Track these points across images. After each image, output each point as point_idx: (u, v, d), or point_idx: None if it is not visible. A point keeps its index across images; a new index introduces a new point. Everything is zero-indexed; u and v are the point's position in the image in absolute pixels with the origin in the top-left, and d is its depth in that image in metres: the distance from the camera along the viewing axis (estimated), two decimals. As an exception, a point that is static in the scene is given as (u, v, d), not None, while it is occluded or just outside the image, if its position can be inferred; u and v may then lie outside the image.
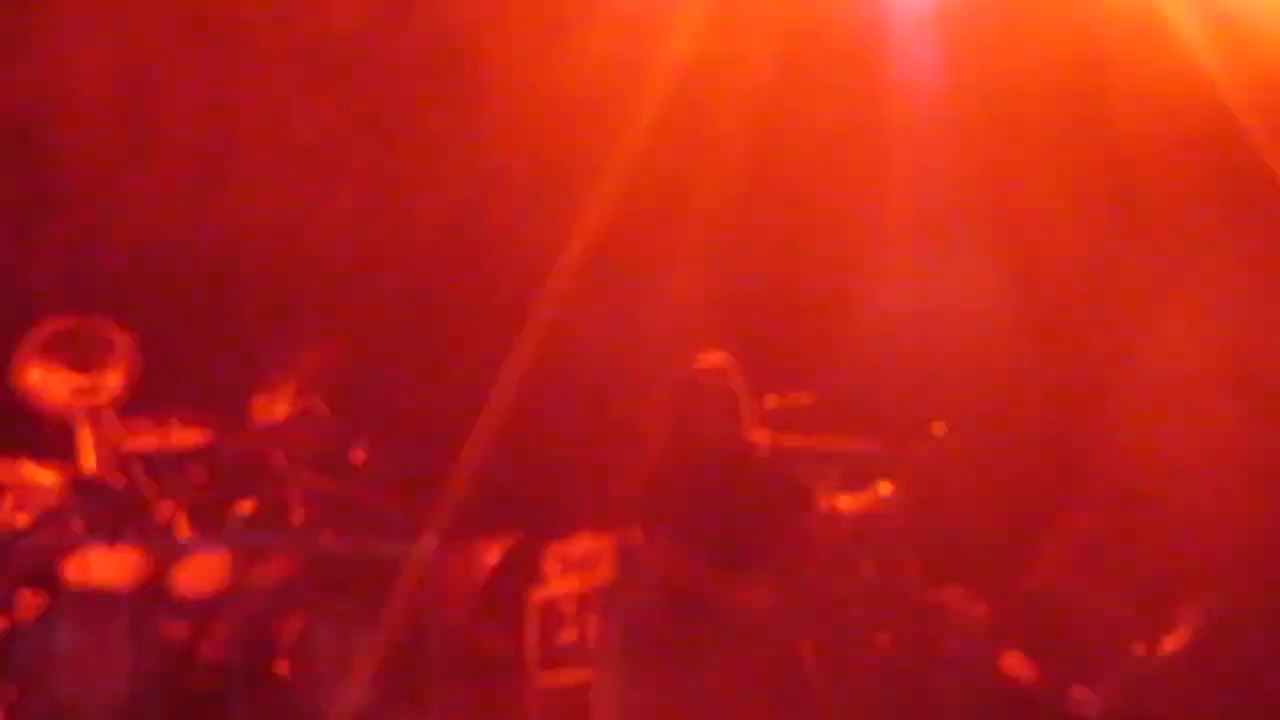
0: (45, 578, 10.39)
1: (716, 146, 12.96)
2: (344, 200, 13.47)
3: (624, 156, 12.71)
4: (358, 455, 11.38)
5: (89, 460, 10.97)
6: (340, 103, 13.55)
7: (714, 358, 10.23)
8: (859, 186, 13.08)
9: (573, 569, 11.35)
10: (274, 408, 11.27)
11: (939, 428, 11.06)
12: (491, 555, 11.76)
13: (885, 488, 11.06)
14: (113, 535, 10.57)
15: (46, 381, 11.04)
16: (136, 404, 11.16)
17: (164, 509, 10.88)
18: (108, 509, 10.79)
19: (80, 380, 11.09)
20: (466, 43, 13.10)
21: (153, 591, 10.55)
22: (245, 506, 10.92)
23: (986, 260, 13.07)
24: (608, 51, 12.96)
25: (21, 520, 10.55)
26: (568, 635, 11.15)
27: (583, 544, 11.26)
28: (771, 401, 10.84)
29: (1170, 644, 11.13)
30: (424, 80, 13.49)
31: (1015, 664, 11.01)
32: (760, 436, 10.38)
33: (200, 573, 10.71)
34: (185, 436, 11.02)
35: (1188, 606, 11.18)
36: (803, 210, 13.31)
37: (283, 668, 10.81)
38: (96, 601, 10.43)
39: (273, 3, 13.06)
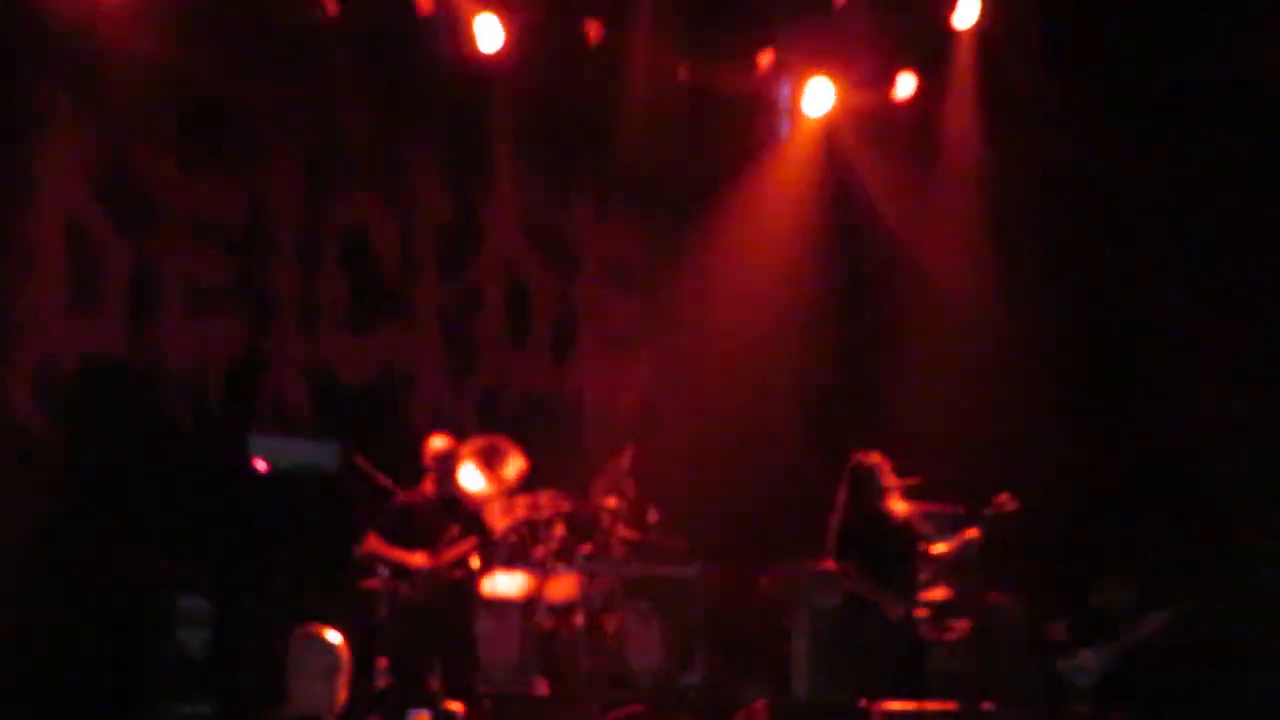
0: (468, 592, 13.12)
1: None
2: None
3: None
4: (652, 516, 14.27)
5: (497, 523, 13.73)
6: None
7: (873, 456, 13.28)
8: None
9: (782, 582, 14.57)
10: (603, 488, 14.30)
11: (1005, 498, 13.17)
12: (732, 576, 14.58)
13: (971, 533, 13.41)
14: (510, 566, 13.65)
15: (472, 477, 13.83)
16: (523, 488, 14.10)
17: (539, 550, 13.81)
18: (506, 551, 13.72)
19: (493, 475, 13.94)
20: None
21: (533, 599, 13.71)
22: (586, 547, 14.01)
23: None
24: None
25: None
26: (783, 621, 14.39)
27: (789, 568, 14.42)
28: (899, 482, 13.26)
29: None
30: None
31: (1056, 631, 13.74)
32: (897, 507, 13.30)
33: (561, 588, 13.85)
34: (552, 506, 13.98)
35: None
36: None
37: (610, 643, 13.74)
38: (500, 606, 13.58)
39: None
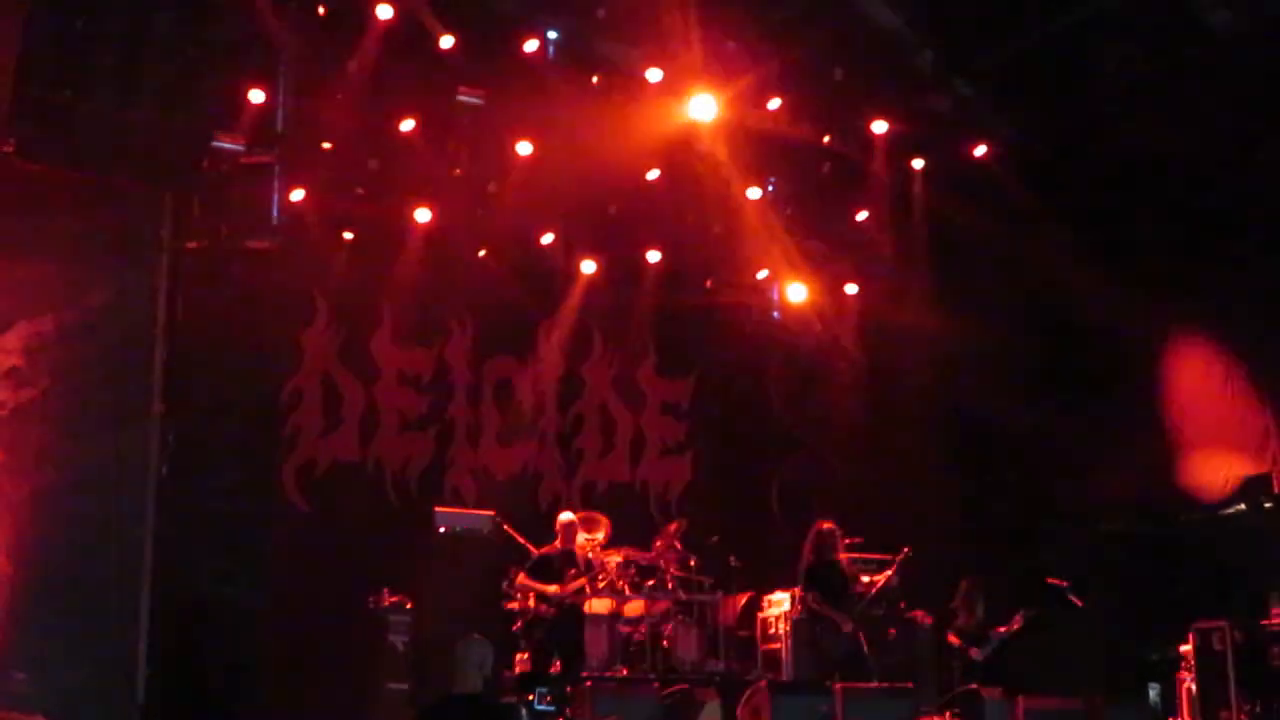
0: (579, 611, 13.00)
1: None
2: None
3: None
4: (691, 562, 13.85)
5: (594, 567, 13.34)
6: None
7: (829, 523, 13.13)
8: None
9: (774, 604, 14.12)
10: (661, 545, 13.88)
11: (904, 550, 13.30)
12: (742, 600, 14.42)
13: (890, 575, 13.43)
14: (600, 594, 13.26)
15: (575, 538, 13.39)
16: (611, 545, 13.81)
17: (619, 583, 13.46)
18: (602, 585, 13.31)
19: (590, 536, 13.65)
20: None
21: (616, 613, 13.43)
22: (650, 581, 13.64)
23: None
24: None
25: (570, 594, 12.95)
26: (774, 629, 14.01)
27: (778, 595, 14.05)
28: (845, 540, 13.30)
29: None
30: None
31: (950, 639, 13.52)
32: (842, 557, 13.26)
33: (635, 606, 13.58)
34: (625, 555, 13.72)
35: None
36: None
37: (664, 644, 13.29)
38: (596, 619, 13.18)
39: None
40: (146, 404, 10.39)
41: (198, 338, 11.80)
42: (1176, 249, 13.87)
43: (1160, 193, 13.77)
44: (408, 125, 13.41)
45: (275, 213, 12.75)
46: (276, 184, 12.76)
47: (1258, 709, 12.83)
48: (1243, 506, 13.92)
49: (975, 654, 13.37)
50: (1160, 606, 13.86)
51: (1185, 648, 13.32)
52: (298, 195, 13.40)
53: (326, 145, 13.05)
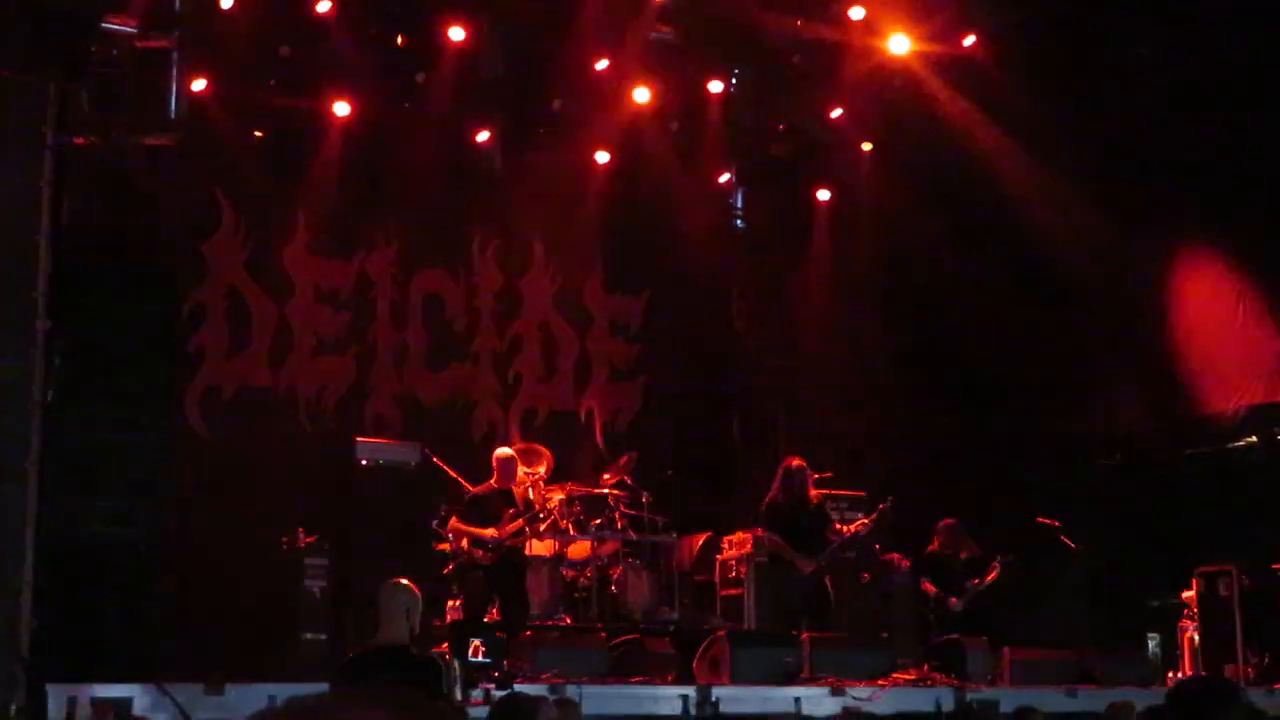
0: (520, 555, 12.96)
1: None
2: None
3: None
4: (644, 499, 13.88)
5: (534, 505, 13.33)
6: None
7: (798, 459, 13.33)
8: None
9: (734, 546, 14.04)
10: (611, 478, 14.07)
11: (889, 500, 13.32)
12: (699, 541, 14.45)
13: (869, 520, 13.53)
14: (541, 535, 13.28)
15: (514, 475, 13.35)
16: (552, 479, 13.85)
17: (563, 522, 13.49)
18: (544, 526, 13.32)
19: (530, 471, 13.69)
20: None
21: (559, 556, 13.51)
22: (596, 520, 13.66)
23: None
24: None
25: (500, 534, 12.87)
26: (734, 573, 13.93)
27: (739, 536, 13.99)
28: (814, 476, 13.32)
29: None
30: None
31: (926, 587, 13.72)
32: (814, 495, 13.36)
33: (581, 548, 13.66)
34: (569, 491, 13.74)
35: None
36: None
37: (613, 589, 13.54)
38: (537, 563, 13.29)
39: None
40: (29, 321, 10.01)
41: (87, 247, 11.60)
42: (1185, 161, 13.74)
43: (1164, 102, 13.68)
44: (324, 6, 13.18)
45: (174, 105, 12.53)
46: (175, 72, 12.53)
47: (1266, 660, 12.95)
48: (1253, 439, 13.91)
49: (954, 603, 13.50)
50: (1161, 549, 13.90)
51: (1188, 594, 13.45)
52: (199, 85, 13.17)
53: (232, 23, 12.81)
